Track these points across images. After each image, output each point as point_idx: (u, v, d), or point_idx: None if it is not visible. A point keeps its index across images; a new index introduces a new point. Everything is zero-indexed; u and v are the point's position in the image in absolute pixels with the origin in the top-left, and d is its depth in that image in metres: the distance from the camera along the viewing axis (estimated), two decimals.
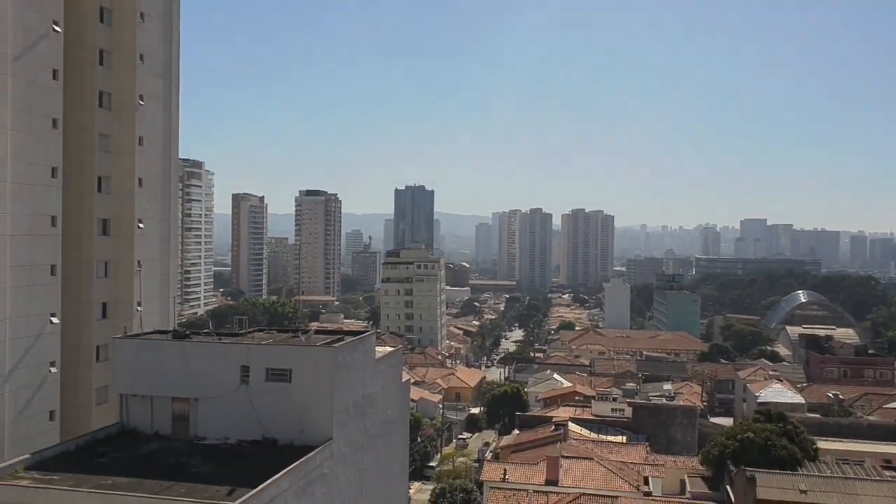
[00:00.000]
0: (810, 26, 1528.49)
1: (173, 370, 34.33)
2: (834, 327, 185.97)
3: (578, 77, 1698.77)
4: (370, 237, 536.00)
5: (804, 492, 50.70)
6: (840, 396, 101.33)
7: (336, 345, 33.79)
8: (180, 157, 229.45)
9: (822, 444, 70.98)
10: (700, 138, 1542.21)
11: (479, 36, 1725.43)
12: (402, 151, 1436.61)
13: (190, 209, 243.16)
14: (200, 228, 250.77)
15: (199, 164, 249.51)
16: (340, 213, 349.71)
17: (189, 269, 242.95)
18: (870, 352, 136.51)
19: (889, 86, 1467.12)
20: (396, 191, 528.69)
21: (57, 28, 44.48)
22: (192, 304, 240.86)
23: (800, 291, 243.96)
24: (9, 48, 40.97)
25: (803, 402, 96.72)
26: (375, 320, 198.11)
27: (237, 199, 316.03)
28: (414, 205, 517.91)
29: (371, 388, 36.92)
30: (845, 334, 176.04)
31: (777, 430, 61.99)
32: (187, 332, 38.84)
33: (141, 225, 51.98)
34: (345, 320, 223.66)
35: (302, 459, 29.92)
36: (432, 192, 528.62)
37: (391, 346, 50.96)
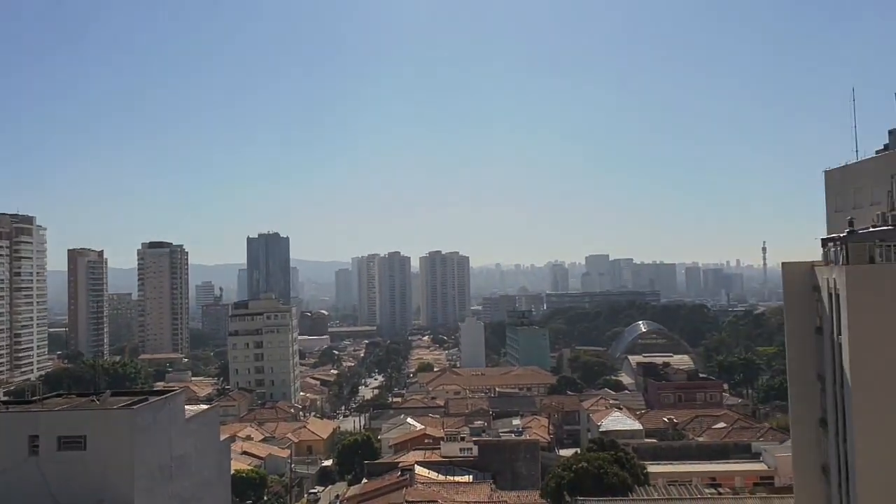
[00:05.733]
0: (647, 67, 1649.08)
1: None
2: (671, 354, 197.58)
3: (430, 123, 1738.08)
4: (221, 289, 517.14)
5: None
6: (674, 420, 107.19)
7: (135, 406, 31.86)
8: (7, 211, 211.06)
9: (655, 468, 74.95)
10: (547, 180, 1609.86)
11: (334, 81, 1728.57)
12: (255, 199, 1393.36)
13: (20, 268, 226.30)
14: (32, 287, 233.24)
15: (29, 220, 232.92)
16: (188, 264, 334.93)
17: (19, 331, 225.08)
18: (701, 375, 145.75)
19: (714, 126, 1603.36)
20: (249, 239, 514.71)
21: None
22: (23, 369, 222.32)
23: (640, 322, 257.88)
24: None
25: (641, 428, 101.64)
26: (226, 376, 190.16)
27: (73, 255, 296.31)
28: (268, 253, 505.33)
29: (181, 450, 34.99)
30: (681, 360, 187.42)
31: (609, 457, 64.62)
32: None
33: None
34: (193, 378, 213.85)
35: None
36: (287, 238, 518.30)
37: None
